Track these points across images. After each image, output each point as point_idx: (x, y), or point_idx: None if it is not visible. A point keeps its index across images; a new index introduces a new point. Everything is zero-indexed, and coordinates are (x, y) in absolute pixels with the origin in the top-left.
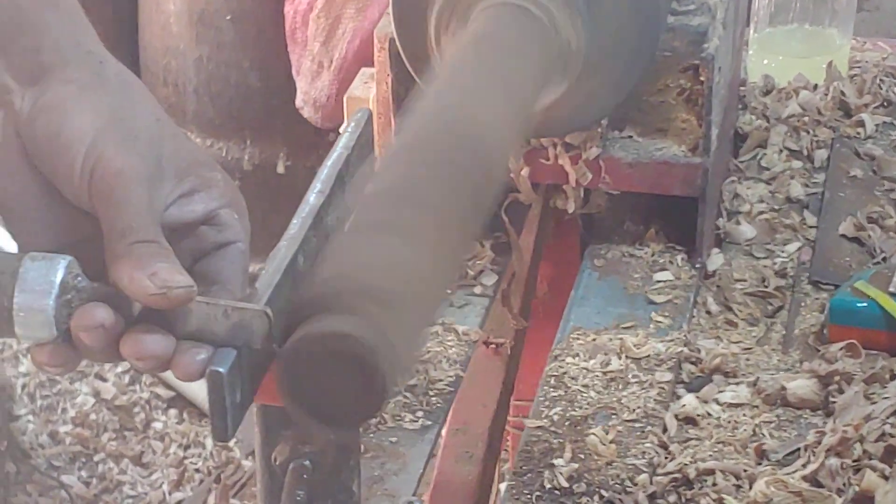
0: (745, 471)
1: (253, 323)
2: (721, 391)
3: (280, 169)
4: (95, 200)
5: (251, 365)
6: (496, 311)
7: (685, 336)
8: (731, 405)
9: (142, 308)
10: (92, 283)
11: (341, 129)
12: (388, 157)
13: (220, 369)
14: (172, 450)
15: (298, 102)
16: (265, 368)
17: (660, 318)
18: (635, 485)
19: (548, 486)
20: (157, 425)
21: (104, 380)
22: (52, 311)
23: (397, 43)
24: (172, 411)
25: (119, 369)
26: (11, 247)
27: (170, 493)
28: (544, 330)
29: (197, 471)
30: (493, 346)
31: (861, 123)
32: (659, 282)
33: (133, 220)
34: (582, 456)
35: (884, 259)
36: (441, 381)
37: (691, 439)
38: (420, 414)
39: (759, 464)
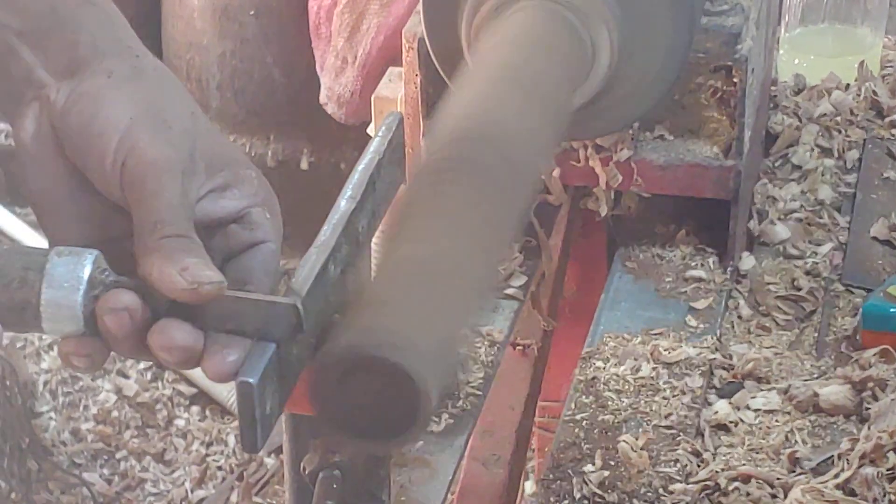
0: (778, 479)
1: (283, 316)
2: (753, 397)
3: (304, 165)
4: (127, 191)
5: (282, 372)
6: (524, 312)
7: (717, 340)
8: (763, 411)
9: (170, 302)
10: (119, 278)
11: (371, 132)
12: (418, 165)
13: (251, 380)
14: (195, 447)
15: (322, 98)
16: (296, 376)
17: (691, 322)
18: (669, 492)
19: (577, 494)
20: (180, 422)
21: (126, 377)
22: (80, 307)
23: (427, 43)
24: (195, 408)
25: (141, 366)
26: (40, 244)
27: (192, 491)
28: (572, 330)
29: (219, 468)
30: (521, 347)
31: (895, 125)
32: (690, 285)
33: (165, 212)
34: (612, 463)
35: None
36: (470, 383)
37: (723, 446)
38: (448, 419)
39: (793, 471)
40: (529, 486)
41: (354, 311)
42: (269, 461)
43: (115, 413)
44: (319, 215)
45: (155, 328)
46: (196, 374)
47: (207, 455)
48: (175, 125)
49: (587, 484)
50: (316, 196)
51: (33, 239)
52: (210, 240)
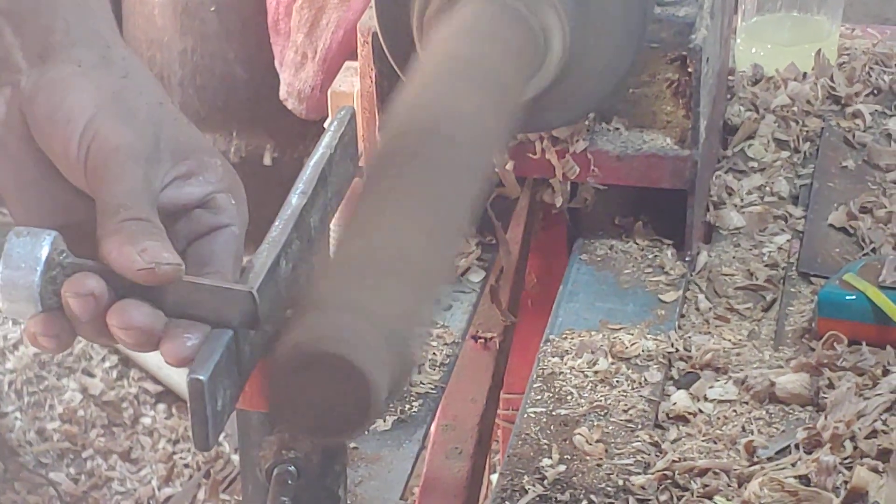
0: (735, 468)
1: (239, 303)
2: (711, 387)
3: (267, 161)
4: (90, 176)
5: (234, 367)
6: (484, 305)
7: (675, 332)
8: (720, 401)
9: (130, 286)
10: (77, 259)
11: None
12: (368, 160)
13: (201, 377)
14: (161, 445)
15: (282, 94)
16: (249, 372)
17: (649, 314)
18: (626, 485)
19: (533, 488)
20: (146, 420)
21: (91, 375)
22: (38, 287)
23: (380, 37)
24: (161, 406)
25: (107, 364)
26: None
27: (159, 489)
28: (533, 322)
29: (186, 466)
30: (482, 340)
31: (858, 115)
32: (648, 276)
33: (127, 197)
34: (570, 457)
35: (873, 250)
36: (424, 384)
37: (681, 437)
38: (402, 415)
39: (750, 461)
40: (496, 479)
41: (305, 306)
42: (236, 458)
43: (80, 412)
44: None
45: (114, 308)
46: (161, 371)
47: (174, 453)
48: (140, 113)
49: (545, 478)
50: (280, 191)
51: None
52: (175, 223)
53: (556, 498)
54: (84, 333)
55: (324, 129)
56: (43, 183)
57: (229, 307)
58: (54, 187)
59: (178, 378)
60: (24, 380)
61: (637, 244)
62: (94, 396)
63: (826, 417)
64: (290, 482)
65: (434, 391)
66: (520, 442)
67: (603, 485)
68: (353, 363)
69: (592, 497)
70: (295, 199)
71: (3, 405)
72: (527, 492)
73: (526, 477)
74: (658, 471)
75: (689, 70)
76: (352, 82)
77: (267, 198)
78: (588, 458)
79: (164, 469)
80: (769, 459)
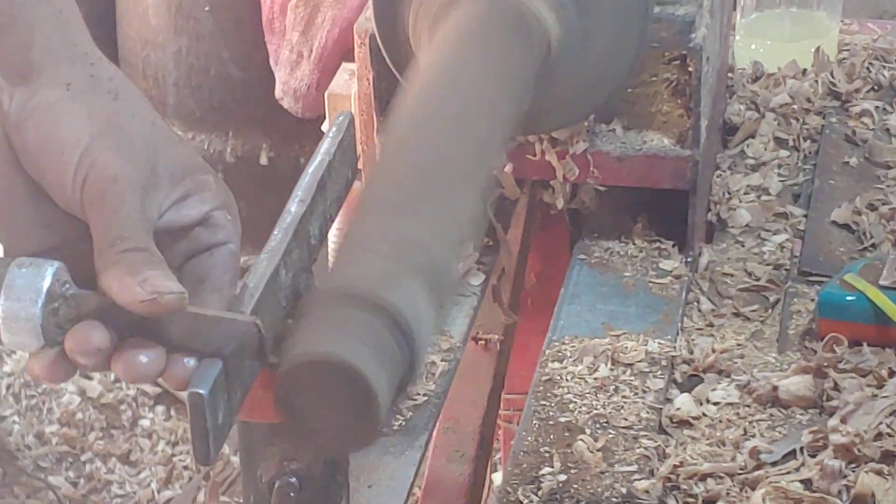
0: (739, 473)
1: (244, 333)
2: (713, 390)
3: (263, 160)
4: (87, 207)
5: (235, 381)
6: (485, 307)
7: (677, 334)
8: (723, 405)
9: (131, 317)
10: (80, 291)
11: (324, 128)
12: (376, 162)
13: (201, 391)
14: (160, 447)
15: (278, 93)
16: (249, 384)
17: (651, 316)
18: (629, 493)
19: (535, 498)
20: (145, 423)
21: (90, 378)
22: (39, 320)
23: (378, 39)
24: (160, 408)
25: None
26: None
27: (159, 492)
28: (533, 321)
29: (186, 468)
30: (483, 341)
31: (865, 114)
32: (650, 277)
33: (125, 228)
34: (571, 466)
35: (873, 245)
36: (424, 390)
37: (684, 442)
38: (404, 422)
39: (755, 466)
40: (497, 478)
41: (310, 317)
42: (236, 460)
43: (79, 415)
44: (279, 209)
45: (119, 357)
46: None
47: (174, 455)
48: (136, 139)
49: (545, 487)
50: (276, 191)
51: None
52: (174, 245)
53: (562, 500)
54: (86, 371)
55: (320, 128)
56: (31, 205)
57: (233, 338)
58: (43, 210)
59: None
60: (22, 383)
61: (637, 245)
62: (93, 399)
63: (831, 421)
64: (292, 494)
65: (435, 397)
66: (521, 451)
67: (606, 493)
68: (355, 369)
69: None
70: (294, 207)
71: (2, 409)
72: (531, 503)
73: (526, 487)
74: (662, 475)
75: (690, 69)
76: (349, 84)
77: (263, 197)
78: (589, 466)
79: (163, 471)
80: (774, 464)
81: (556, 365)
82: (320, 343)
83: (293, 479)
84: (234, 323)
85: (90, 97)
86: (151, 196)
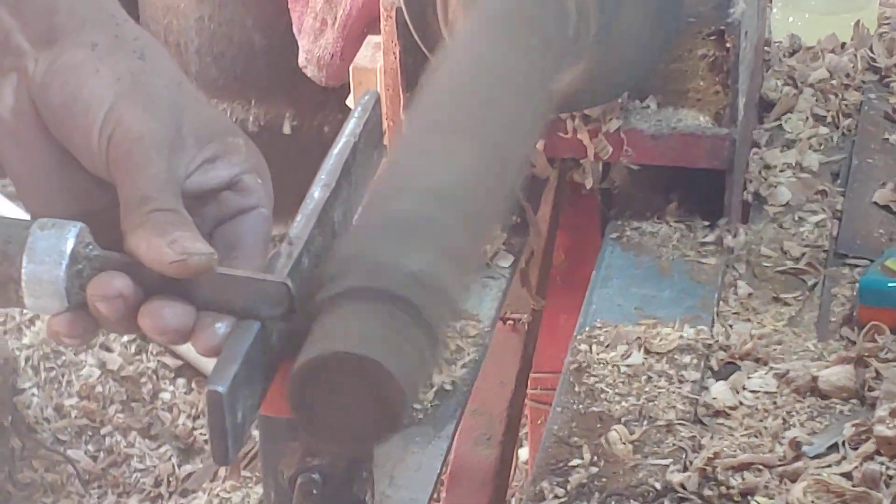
0: (778, 465)
1: (274, 294)
2: (750, 378)
3: (286, 129)
4: (113, 168)
5: (255, 376)
6: (514, 285)
7: (713, 319)
8: (760, 394)
9: (159, 279)
10: (104, 252)
11: (350, 103)
12: (398, 144)
13: (220, 388)
14: (181, 421)
15: (301, 62)
16: (270, 379)
17: (686, 300)
18: (663, 486)
19: (564, 491)
20: (165, 396)
21: (110, 350)
22: (63, 283)
23: (404, 12)
24: (180, 381)
25: (125, 339)
26: (18, 214)
27: (179, 466)
28: (561, 299)
29: (206, 442)
30: (511, 322)
31: None
32: (684, 260)
33: (152, 188)
34: (601, 457)
35: None
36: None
37: (720, 431)
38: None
39: (794, 457)
40: (523, 454)
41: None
42: (257, 434)
43: (98, 388)
44: (303, 179)
45: (145, 310)
46: (181, 346)
47: (194, 429)
48: (161, 98)
49: (577, 478)
50: (299, 160)
51: (12, 211)
52: (202, 208)
53: (593, 492)
54: (111, 330)
55: (344, 97)
56: (59, 171)
57: (263, 298)
58: (71, 175)
59: None
60: (41, 355)
61: (671, 226)
62: (113, 372)
63: (874, 413)
64: (314, 491)
65: (462, 385)
66: (550, 442)
67: (639, 487)
68: (377, 363)
69: (631, 501)
70: (318, 193)
71: (20, 381)
72: (556, 497)
73: (553, 480)
74: (697, 467)
75: (728, 45)
76: (374, 57)
77: (286, 167)
78: (621, 459)
79: (184, 445)
80: (813, 456)
81: (588, 352)
82: (338, 338)
83: (316, 475)
84: (264, 283)
85: (115, 57)
86: (178, 156)
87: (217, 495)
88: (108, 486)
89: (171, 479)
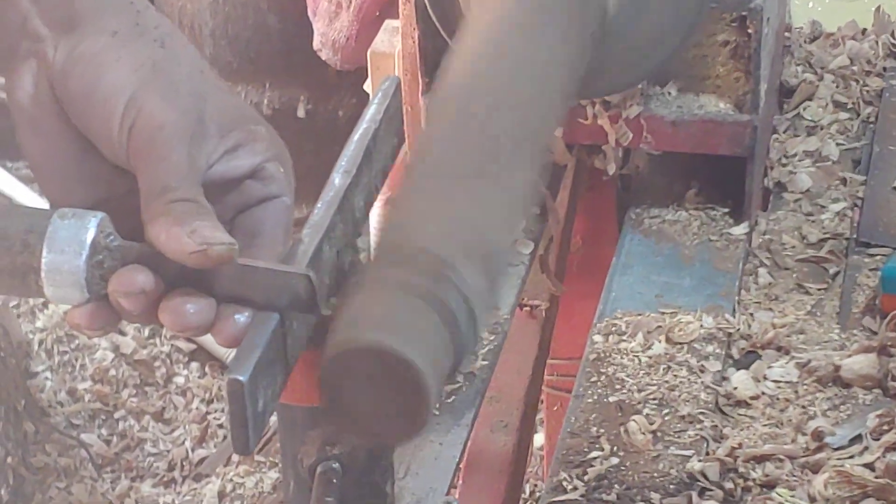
0: (800, 456)
1: (296, 286)
2: (771, 367)
3: (300, 113)
4: (134, 157)
5: (276, 364)
6: (532, 272)
7: (734, 307)
8: (782, 383)
9: (180, 269)
10: (125, 242)
11: (367, 88)
12: (423, 133)
13: (241, 377)
14: (195, 405)
15: (316, 44)
16: (291, 366)
17: (707, 288)
18: (684, 476)
19: (582, 483)
20: (179, 380)
21: (123, 334)
22: (83, 273)
23: None
24: (194, 365)
25: None
26: (35, 200)
27: (193, 450)
28: (579, 285)
29: (220, 426)
30: (529, 308)
31: None
32: (704, 247)
33: (173, 178)
34: (621, 448)
35: None
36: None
37: (742, 422)
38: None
39: (816, 448)
40: (538, 440)
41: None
42: (273, 419)
43: (112, 372)
44: (318, 163)
45: (166, 306)
46: None
47: (208, 413)
48: (182, 86)
49: (598, 468)
50: (314, 144)
51: (27, 194)
52: (225, 197)
53: (604, 496)
54: (131, 321)
55: (360, 79)
56: (77, 159)
57: (284, 290)
58: (90, 163)
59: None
60: (55, 339)
61: (691, 213)
62: (126, 355)
63: None
64: (334, 480)
65: (481, 373)
66: (568, 433)
67: (660, 479)
68: (403, 356)
69: (651, 493)
70: (338, 180)
71: (34, 365)
72: (575, 489)
73: (571, 471)
74: (718, 458)
75: (749, 31)
76: (392, 42)
77: (301, 151)
78: (642, 449)
79: (197, 429)
80: (840, 448)
81: (607, 341)
82: (372, 329)
83: (336, 465)
84: (286, 275)
85: (136, 45)
86: (200, 145)
87: (231, 480)
88: (121, 471)
89: (184, 463)
